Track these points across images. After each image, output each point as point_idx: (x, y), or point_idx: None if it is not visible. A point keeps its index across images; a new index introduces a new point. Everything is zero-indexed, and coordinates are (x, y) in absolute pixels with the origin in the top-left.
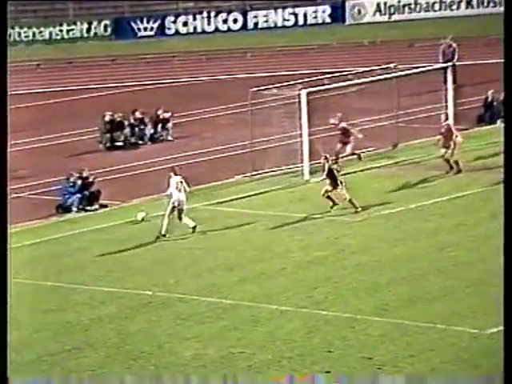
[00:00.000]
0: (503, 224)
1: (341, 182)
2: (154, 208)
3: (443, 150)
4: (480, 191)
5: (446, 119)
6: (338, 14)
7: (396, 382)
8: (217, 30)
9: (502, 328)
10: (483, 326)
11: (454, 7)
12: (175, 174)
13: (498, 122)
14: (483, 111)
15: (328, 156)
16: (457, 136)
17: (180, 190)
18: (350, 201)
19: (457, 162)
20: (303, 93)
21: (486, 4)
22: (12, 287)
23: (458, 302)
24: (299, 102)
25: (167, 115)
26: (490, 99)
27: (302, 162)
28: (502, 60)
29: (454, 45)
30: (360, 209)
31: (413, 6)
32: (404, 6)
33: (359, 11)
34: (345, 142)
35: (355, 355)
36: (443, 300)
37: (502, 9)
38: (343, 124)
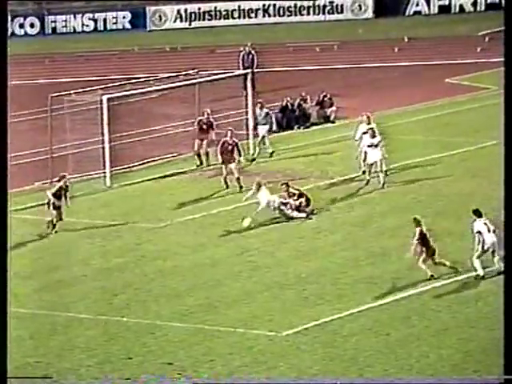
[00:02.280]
0: (503, 222)
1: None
2: None
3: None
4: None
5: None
6: (138, 20)
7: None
8: (13, 34)
9: (297, 330)
10: (279, 328)
11: (252, 15)
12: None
13: (295, 127)
14: (280, 117)
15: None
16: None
17: None
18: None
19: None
20: (104, 98)
21: (282, 13)
22: None
23: (256, 305)
24: (101, 107)
25: None
26: (285, 105)
27: (104, 168)
28: (444, 62)
29: (253, 52)
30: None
31: (213, 13)
32: (204, 13)
33: (160, 17)
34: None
35: (155, 361)
36: (242, 304)
37: (298, 18)
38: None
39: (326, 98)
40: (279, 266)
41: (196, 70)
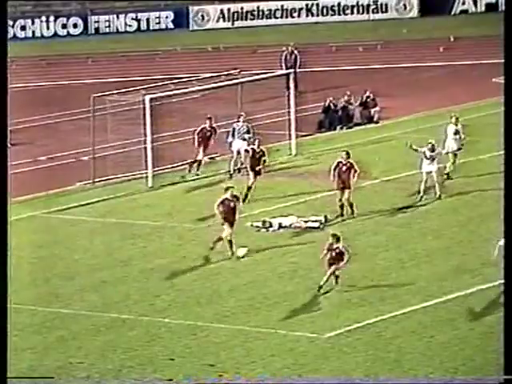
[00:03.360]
0: (503, 224)
1: None
2: None
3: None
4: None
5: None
6: (181, 20)
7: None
8: (56, 34)
9: (339, 332)
10: (321, 330)
11: (295, 15)
12: None
13: (338, 128)
14: (323, 117)
15: None
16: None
17: None
18: None
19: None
20: (147, 99)
21: (325, 12)
22: None
23: (298, 307)
24: (143, 107)
25: None
26: (328, 106)
27: (146, 169)
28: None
29: (296, 52)
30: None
31: (255, 13)
32: (247, 12)
33: (203, 17)
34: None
35: (197, 362)
36: (284, 305)
37: (341, 17)
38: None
39: (369, 99)
40: (321, 267)
41: (238, 70)
